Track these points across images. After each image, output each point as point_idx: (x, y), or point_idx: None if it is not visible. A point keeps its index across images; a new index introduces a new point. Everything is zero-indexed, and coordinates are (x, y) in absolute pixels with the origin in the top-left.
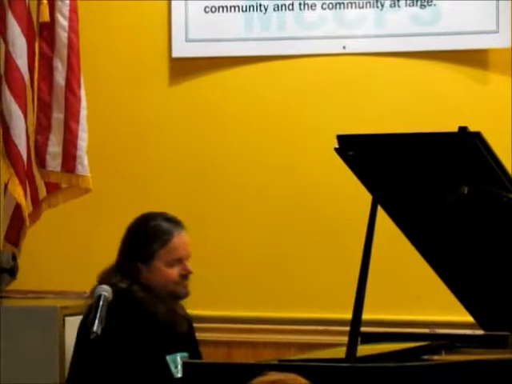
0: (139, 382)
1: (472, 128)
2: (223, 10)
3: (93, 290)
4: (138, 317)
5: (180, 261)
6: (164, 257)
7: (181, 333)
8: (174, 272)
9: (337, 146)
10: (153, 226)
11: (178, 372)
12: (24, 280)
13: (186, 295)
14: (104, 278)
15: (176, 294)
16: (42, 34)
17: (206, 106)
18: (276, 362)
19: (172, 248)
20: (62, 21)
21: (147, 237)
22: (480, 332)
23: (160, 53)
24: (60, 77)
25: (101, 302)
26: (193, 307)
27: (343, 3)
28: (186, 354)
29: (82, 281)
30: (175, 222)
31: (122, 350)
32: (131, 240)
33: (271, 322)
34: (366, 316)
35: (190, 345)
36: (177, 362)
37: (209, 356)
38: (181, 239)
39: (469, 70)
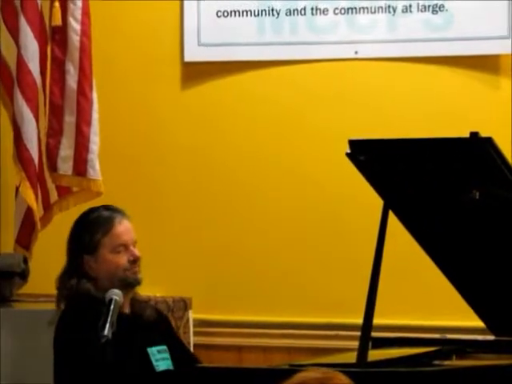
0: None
1: (483, 133)
2: (235, 15)
3: (58, 296)
4: (96, 311)
5: (125, 247)
6: (108, 244)
7: (150, 322)
8: (122, 259)
9: (348, 151)
10: (93, 217)
11: (158, 366)
12: (35, 284)
13: (137, 282)
14: (58, 282)
15: (126, 281)
16: (54, 37)
17: (218, 110)
18: (287, 367)
19: (115, 234)
20: (75, 24)
21: (89, 228)
22: (491, 337)
23: (172, 57)
24: (72, 80)
25: (112, 306)
26: (204, 312)
27: (355, 8)
28: (164, 347)
29: None
30: (115, 210)
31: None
32: (74, 234)
33: (282, 326)
34: (376, 321)
35: (167, 336)
36: (156, 356)
37: (220, 360)
38: (123, 225)
39: (480, 76)
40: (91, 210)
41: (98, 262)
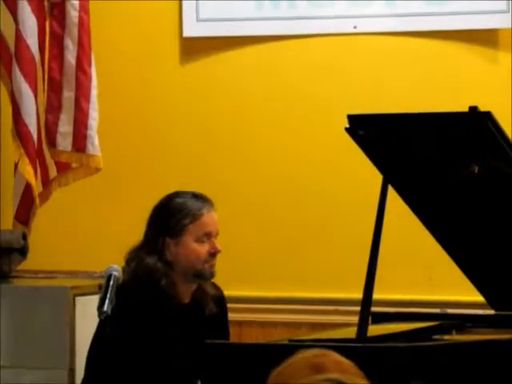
0: (159, 373)
1: (482, 107)
2: None
3: (124, 269)
4: (162, 299)
5: (209, 237)
6: (194, 231)
7: (206, 316)
8: (203, 249)
9: (347, 126)
10: (182, 201)
11: None
12: (34, 260)
13: (211, 276)
14: (130, 255)
15: (202, 274)
16: (53, 13)
17: (217, 85)
18: (286, 342)
19: (202, 223)
20: (73, 0)
21: (176, 211)
22: (491, 312)
23: (171, 32)
24: (71, 56)
25: (111, 282)
26: None
27: None
28: None
29: (92, 261)
30: (205, 199)
31: (143, 335)
32: (159, 215)
33: (282, 301)
34: (376, 296)
35: (216, 333)
36: None
37: None
38: (211, 216)
39: (479, 50)
40: (178, 195)
41: (178, 247)
